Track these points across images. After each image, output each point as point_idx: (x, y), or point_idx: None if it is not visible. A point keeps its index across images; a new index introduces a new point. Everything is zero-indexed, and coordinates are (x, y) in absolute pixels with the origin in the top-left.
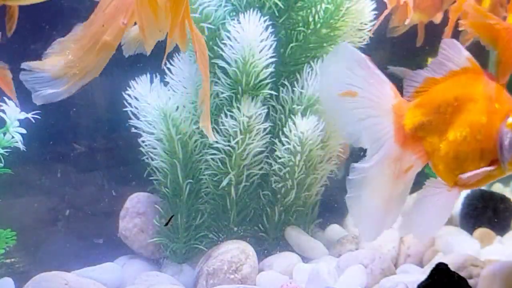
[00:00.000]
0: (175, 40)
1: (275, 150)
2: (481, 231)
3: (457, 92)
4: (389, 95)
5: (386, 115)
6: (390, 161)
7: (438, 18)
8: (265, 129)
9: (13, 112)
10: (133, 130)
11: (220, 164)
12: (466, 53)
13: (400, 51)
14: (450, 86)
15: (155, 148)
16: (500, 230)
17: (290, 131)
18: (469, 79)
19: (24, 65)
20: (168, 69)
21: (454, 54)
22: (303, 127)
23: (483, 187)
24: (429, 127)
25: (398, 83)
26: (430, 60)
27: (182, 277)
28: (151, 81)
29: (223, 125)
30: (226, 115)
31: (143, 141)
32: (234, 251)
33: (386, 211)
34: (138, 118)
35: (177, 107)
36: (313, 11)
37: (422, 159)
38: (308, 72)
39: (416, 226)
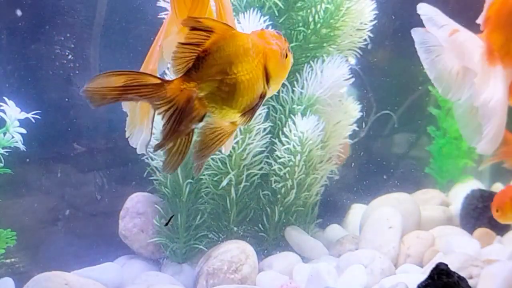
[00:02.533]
0: None
1: (275, 150)
2: (481, 231)
3: None
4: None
5: (477, 48)
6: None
7: None
8: (265, 129)
9: (13, 112)
10: None
11: (220, 164)
12: None
13: (400, 50)
14: None
15: None
16: (500, 230)
17: (290, 131)
18: None
19: None
20: (168, 69)
21: None
22: (303, 127)
23: (483, 187)
24: (510, 41)
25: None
26: None
27: (182, 277)
28: None
29: None
30: None
31: None
32: (234, 251)
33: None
34: None
35: None
36: (313, 11)
37: None
38: (308, 72)
39: None
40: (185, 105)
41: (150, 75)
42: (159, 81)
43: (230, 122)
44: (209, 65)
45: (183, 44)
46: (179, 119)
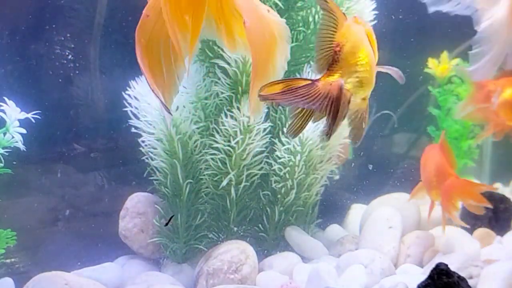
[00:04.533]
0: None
1: (275, 150)
2: (481, 231)
3: None
4: None
5: None
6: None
7: None
8: (265, 129)
9: (13, 112)
10: (133, 130)
11: (220, 164)
12: None
13: (400, 51)
14: None
15: (155, 148)
16: (500, 230)
17: None
18: None
19: None
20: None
21: None
22: None
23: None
24: None
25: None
26: (430, 60)
27: (182, 277)
28: None
29: (223, 125)
30: (226, 115)
31: (143, 141)
32: (234, 251)
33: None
34: (138, 118)
35: (177, 107)
36: (313, 11)
37: None
38: (308, 72)
39: None
40: (339, 95)
41: (301, 78)
42: (310, 82)
43: (361, 99)
44: (344, 57)
45: (321, 44)
46: (336, 108)
